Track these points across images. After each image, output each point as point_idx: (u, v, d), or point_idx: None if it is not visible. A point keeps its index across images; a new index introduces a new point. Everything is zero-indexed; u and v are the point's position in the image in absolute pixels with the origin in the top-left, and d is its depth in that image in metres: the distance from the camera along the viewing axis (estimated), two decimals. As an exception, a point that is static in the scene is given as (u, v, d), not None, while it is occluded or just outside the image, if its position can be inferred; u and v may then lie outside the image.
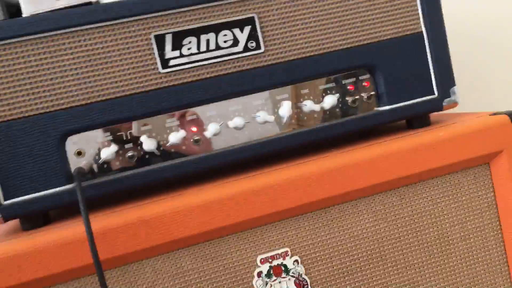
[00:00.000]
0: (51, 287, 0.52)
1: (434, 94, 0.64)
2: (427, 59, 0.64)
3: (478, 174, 0.62)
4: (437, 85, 0.64)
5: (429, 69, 0.64)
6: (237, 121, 0.60)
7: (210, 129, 0.59)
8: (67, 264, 0.51)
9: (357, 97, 0.64)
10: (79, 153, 0.56)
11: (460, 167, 0.61)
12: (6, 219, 0.54)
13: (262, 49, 0.60)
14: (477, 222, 0.62)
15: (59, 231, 0.52)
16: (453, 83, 0.65)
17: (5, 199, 0.53)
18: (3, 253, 0.50)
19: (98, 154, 0.57)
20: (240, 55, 0.59)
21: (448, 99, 0.65)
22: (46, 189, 0.55)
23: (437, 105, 0.64)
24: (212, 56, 0.59)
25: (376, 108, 0.64)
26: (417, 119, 0.66)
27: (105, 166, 0.57)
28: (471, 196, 0.62)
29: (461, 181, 0.62)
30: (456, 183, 0.61)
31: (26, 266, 0.50)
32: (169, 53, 0.58)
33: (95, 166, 0.57)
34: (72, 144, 0.56)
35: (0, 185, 0.53)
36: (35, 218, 0.56)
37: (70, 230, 0.52)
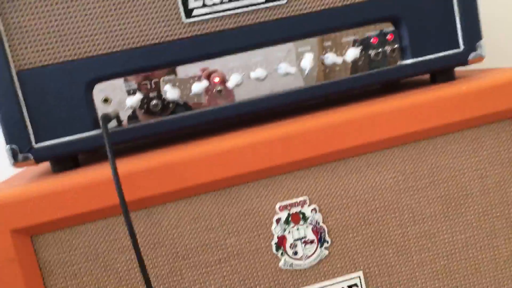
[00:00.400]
0: (80, 225, 0.55)
1: (459, 47, 0.63)
2: (453, 10, 0.62)
3: (501, 130, 0.61)
4: (463, 38, 0.63)
5: (455, 22, 0.63)
6: (259, 72, 0.61)
7: (232, 80, 0.60)
8: (95, 204, 0.53)
9: (380, 50, 0.63)
10: (105, 100, 0.58)
11: (482, 121, 0.61)
12: (37, 161, 0.57)
13: (285, 0, 0.60)
14: (497, 177, 0.62)
15: (87, 173, 0.54)
16: (479, 37, 0.64)
17: (36, 142, 0.56)
18: (36, 191, 0.53)
19: (124, 101, 0.59)
20: (263, 6, 0.59)
21: (474, 53, 0.64)
22: (75, 134, 0.57)
23: (462, 59, 0.64)
24: (235, 6, 0.59)
25: (399, 62, 0.64)
26: (441, 74, 0.65)
27: (130, 113, 0.59)
28: (492, 151, 0.62)
29: (482, 136, 0.61)
30: (477, 138, 0.61)
31: (57, 204, 0.53)
32: (192, 2, 0.58)
33: (121, 114, 0.59)
34: (99, 91, 0.58)
35: (32, 128, 0.56)
36: (64, 161, 0.59)
37: (98, 172, 0.54)
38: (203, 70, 0.60)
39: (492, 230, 0.63)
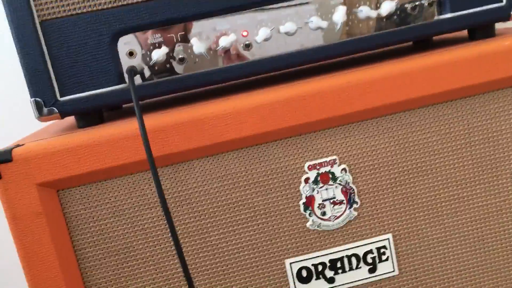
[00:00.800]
0: (106, 181, 0.54)
1: (501, 1, 0.60)
2: (498, -39, 0.59)
3: (543, 88, 0.58)
4: (506, -8, 0.60)
5: (499, -27, 0.59)
6: (288, 26, 0.58)
7: (261, 34, 0.58)
8: (121, 158, 0.52)
9: (417, 3, 0.60)
10: (130, 54, 0.56)
11: (524, 80, 0.58)
12: (62, 115, 0.55)
13: (318, -51, 0.57)
14: (536, 139, 0.59)
15: (113, 128, 0.53)
16: (524, -10, 0.60)
17: (61, 96, 0.55)
18: (62, 144, 0.52)
19: (149, 55, 0.57)
20: (294, -45, 0.56)
21: (517, 7, 0.60)
22: (100, 88, 0.55)
23: (503, 14, 0.60)
24: (266, -45, 0.56)
25: (437, 17, 0.61)
26: (481, 29, 0.62)
27: (156, 68, 0.57)
28: (533, 112, 0.59)
29: (523, 95, 0.58)
30: (517, 97, 0.58)
31: (83, 159, 0.52)
32: (221, -49, 0.55)
33: (146, 68, 0.57)
34: (124, 44, 0.56)
35: (56, 81, 0.55)
36: (90, 116, 0.58)
37: (124, 127, 0.53)
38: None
39: (527, 195, 0.60)
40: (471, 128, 0.58)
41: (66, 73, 0.55)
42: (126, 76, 0.56)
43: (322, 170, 0.57)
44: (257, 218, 0.57)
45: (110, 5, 0.55)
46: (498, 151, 0.59)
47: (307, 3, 0.58)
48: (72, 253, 0.55)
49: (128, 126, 0.53)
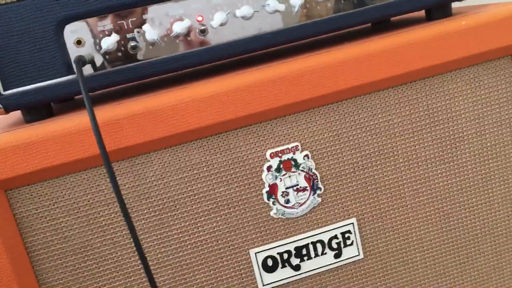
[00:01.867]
0: (58, 178, 0.51)
1: (458, -19, 0.60)
2: None
3: (500, 67, 0.59)
4: (461, -29, 0.59)
5: (454, -48, 0.59)
6: (245, 10, 0.56)
7: (217, 19, 0.56)
8: (74, 154, 0.50)
9: (374, -16, 0.59)
10: (78, 42, 0.53)
11: (481, 59, 0.58)
12: (7, 110, 0.52)
13: None
14: (494, 118, 0.60)
15: (63, 122, 0.50)
16: (479, -31, 0.60)
17: (5, 89, 0.51)
18: (7, 142, 0.48)
19: (99, 43, 0.54)
20: None
21: (473, -14, 0.60)
22: (47, 80, 0.52)
23: (460, -7, 0.60)
24: None
25: (394, -3, 0.60)
26: (438, 9, 0.62)
27: (107, 56, 0.54)
28: (490, 91, 0.59)
29: (480, 75, 0.59)
30: (475, 77, 0.59)
31: (31, 156, 0.49)
32: None
33: (96, 57, 0.54)
34: (71, 32, 0.53)
35: (-2, 74, 0.51)
36: (37, 109, 0.55)
37: (74, 121, 0.50)
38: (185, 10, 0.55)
39: (487, 173, 0.61)
40: (432, 109, 0.58)
41: (9, 65, 0.51)
42: (74, 66, 0.52)
43: (284, 157, 0.56)
44: (219, 209, 0.56)
45: (53, -9, 0.51)
46: (458, 131, 0.60)
47: (263, -15, 0.56)
48: (25, 255, 0.52)
49: (79, 120, 0.50)
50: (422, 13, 0.65)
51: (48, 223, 0.52)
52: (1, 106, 0.51)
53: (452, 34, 0.56)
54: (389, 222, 0.60)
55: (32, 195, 0.51)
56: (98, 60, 0.54)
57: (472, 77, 0.59)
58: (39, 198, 0.51)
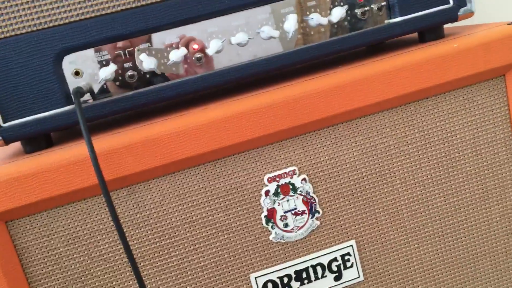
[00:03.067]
0: (58, 208, 0.52)
1: (448, 3, 0.60)
2: (443, -36, 0.59)
3: (493, 88, 0.59)
4: (452, -6, 0.60)
5: (444, -24, 0.60)
6: (240, 37, 0.57)
7: (212, 46, 0.57)
8: (72, 184, 0.50)
9: (367, 8, 0.60)
10: (77, 73, 0.54)
11: (474, 80, 0.58)
12: (7, 142, 0.53)
13: (265, -43, 0.56)
14: (489, 137, 0.60)
15: (62, 152, 0.51)
16: (469, -9, 0.61)
17: (4, 121, 0.52)
18: (7, 174, 0.49)
19: (97, 74, 0.55)
20: (241, -36, 0.55)
21: (464, 8, 0.61)
22: (46, 111, 0.53)
23: (451, 15, 0.61)
24: (212, -34, 0.55)
25: (387, 21, 0.61)
26: (430, 31, 0.63)
27: (105, 86, 0.55)
28: (484, 111, 0.60)
29: (474, 95, 0.59)
30: (469, 98, 0.59)
31: (31, 187, 0.49)
32: (165, -37, 0.54)
33: (94, 87, 0.55)
34: (69, 63, 0.54)
35: (-2, 107, 0.52)
36: (36, 140, 0.55)
37: (73, 151, 0.51)
38: (181, 37, 0.56)
39: (484, 192, 0.61)
40: (426, 130, 0.59)
41: (8, 97, 0.52)
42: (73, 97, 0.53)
43: (282, 181, 0.56)
44: (219, 234, 0.56)
45: (51, 24, 0.52)
46: (453, 151, 0.60)
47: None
48: (27, 286, 0.52)
49: (77, 150, 0.50)
50: (415, 34, 0.66)
51: (48, 253, 0.52)
52: (1, 138, 0.52)
53: (444, 56, 0.57)
54: (389, 243, 0.60)
55: (32, 226, 0.52)
56: (97, 89, 0.55)
57: (466, 97, 0.59)
58: (39, 229, 0.52)
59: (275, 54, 0.58)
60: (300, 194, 0.57)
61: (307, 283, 0.58)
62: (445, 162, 0.60)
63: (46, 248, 0.52)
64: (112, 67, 0.54)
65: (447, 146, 0.60)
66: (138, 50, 0.55)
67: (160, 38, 0.55)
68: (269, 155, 0.56)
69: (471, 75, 0.57)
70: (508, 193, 0.62)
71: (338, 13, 0.59)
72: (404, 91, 0.56)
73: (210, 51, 0.57)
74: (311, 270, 0.58)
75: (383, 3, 0.60)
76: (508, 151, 0.61)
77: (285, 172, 0.56)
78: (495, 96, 0.60)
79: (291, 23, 0.58)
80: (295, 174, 0.57)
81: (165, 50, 0.56)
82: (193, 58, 0.57)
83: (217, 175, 0.55)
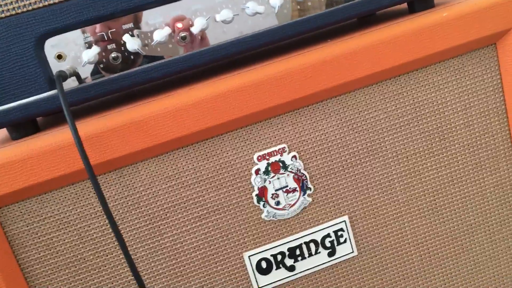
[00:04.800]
0: (47, 194, 0.52)
1: (438, -29, 0.59)
2: None
3: (484, 56, 0.58)
4: (441, -39, 0.59)
5: None
6: (224, 14, 0.56)
7: (197, 24, 0.56)
8: (59, 170, 0.50)
9: (354, -20, 0.58)
10: (59, 57, 0.53)
11: (465, 49, 0.57)
12: (-8, 129, 0.52)
13: None
14: (481, 107, 0.59)
15: (48, 138, 0.50)
16: (459, -42, 0.60)
17: (-12, 108, 0.52)
18: (-8, 162, 0.49)
19: (80, 57, 0.54)
20: None
21: (454, -24, 0.60)
22: (30, 96, 0.52)
23: (441, -16, 0.59)
24: None
25: (375, -8, 0.59)
26: (420, 1, 0.61)
27: (91, 69, 0.54)
28: (475, 80, 0.59)
29: (465, 65, 0.58)
30: (460, 68, 0.58)
31: (18, 174, 0.49)
32: None
33: (78, 70, 0.54)
34: (51, 47, 0.53)
35: (-19, 94, 0.51)
36: (22, 126, 0.55)
37: (59, 136, 0.50)
38: (171, 20, 0.55)
39: (477, 162, 0.61)
40: (418, 102, 0.58)
41: (-9, 84, 0.52)
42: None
43: (272, 159, 0.56)
44: (210, 215, 0.56)
45: (31, 7, 0.51)
46: (446, 123, 0.59)
47: (241, -12, 0.56)
48: (19, 272, 0.52)
49: (63, 135, 0.50)
50: (405, 5, 0.65)
51: (39, 238, 0.52)
52: (-14, 125, 0.52)
53: (434, 26, 0.56)
54: (382, 217, 0.60)
55: (21, 212, 0.51)
56: (82, 72, 0.54)
57: (457, 67, 0.58)
58: (29, 215, 0.52)
59: (261, 31, 0.57)
60: (291, 172, 0.57)
61: (301, 259, 0.58)
62: (437, 134, 0.59)
63: (37, 234, 0.52)
64: (95, 49, 0.53)
65: (439, 118, 0.59)
66: (122, 31, 0.54)
67: (144, 18, 0.54)
68: (258, 133, 0.55)
69: (461, 44, 0.56)
70: (501, 163, 0.61)
71: (324, -15, 0.57)
72: (393, 64, 0.55)
73: (194, 29, 0.55)
74: (304, 247, 0.58)
75: (370, -26, 0.59)
76: (501, 121, 0.60)
77: (275, 150, 0.56)
78: (486, 65, 0.59)
79: (276, -2, 0.56)
80: (285, 151, 0.56)
81: (150, 30, 0.55)
82: (178, 37, 0.56)
83: (206, 155, 0.54)
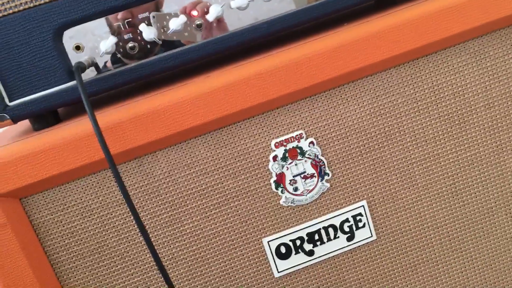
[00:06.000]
0: (70, 183, 0.53)
1: (457, -50, 0.58)
2: None
3: (505, 37, 0.57)
4: None
5: None
6: (239, 0, 0.56)
7: (212, 12, 0.55)
8: (81, 159, 0.51)
9: (370, -38, 0.58)
10: (77, 48, 0.54)
11: (485, 30, 0.56)
12: (14, 121, 0.53)
13: None
14: (502, 89, 0.58)
15: (69, 128, 0.51)
16: None
17: (10, 100, 0.53)
18: (18, 152, 0.50)
19: (98, 47, 0.54)
20: None
21: (473, -45, 0.58)
22: (50, 87, 0.53)
23: (460, -37, 0.58)
24: None
25: (392, -27, 0.58)
26: (438, -18, 0.60)
27: (108, 59, 0.55)
28: (496, 62, 0.58)
29: (485, 46, 0.57)
30: (480, 49, 0.57)
31: (42, 164, 0.50)
32: None
33: (97, 61, 0.55)
34: (69, 38, 0.54)
35: (2, 86, 0.52)
36: (44, 117, 0.56)
37: (80, 126, 0.51)
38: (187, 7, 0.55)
39: (498, 145, 0.60)
40: (436, 85, 0.57)
41: (12, 76, 0.52)
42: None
43: (289, 146, 0.56)
44: (229, 201, 0.56)
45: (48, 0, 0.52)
46: (465, 106, 0.58)
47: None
48: (45, 259, 0.54)
49: (83, 126, 0.51)
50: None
51: (64, 226, 0.54)
52: (8, 117, 0.53)
53: (453, 7, 0.54)
54: (401, 202, 0.60)
55: (46, 202, 0.53)
56: (101, 62, 0.55)
57: (477, 49, 0.57)
58: (53, 204, 0.53)
59: (276, 16, 0.57)
60: (309, 158, 0.57)
61: (320, 244, 0.59)
62: (457, 118, 0.59)
63: (61, 222, 0.53)
64: (112, 40, 0.54)
65: (458, 101, 0.58)
66: (138, 20, 0.54)
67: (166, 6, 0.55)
68: (275, 120, 0.55)
69: (481, 25, 0.55)
70: (523, 146, 0.60)
71: (340, -32, 0.57)
72: (411, 47, 0.55)
73: (210, 16, 0.55)
74: (323, 231, 0.59)
75: (387, -45, 0.58)
76: (522, 103, 0.59)
77: (292, 136, 0.56)
78: (507, 45, 0.57)
79: (291, -18, 0.56)
80: (302, 137, 0.56)
81: (165, 19, 0.55)
82: (193, 25, 0.56)
83: (224, 143, 0.55)
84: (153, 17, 0.54)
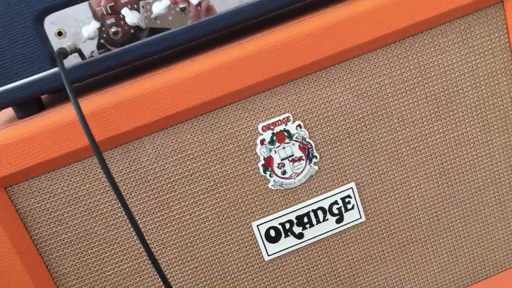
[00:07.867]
0: (55, 171, 0.52)
1: None
2: None
3: (491, 16, 0.57)
4: None
5: None
6: (224, -17, 0.55)
7: (196, -6, 0.55)
8: (66, 147, 0.50)
9: None
10: (59, 34, 0.53)
11: (471, 9, 0.56)
12: (-3, 109, 0.53)
13: None
14: (488, 68, 0.58)
15: (53, 116, 0.51)
16: None
17: (-8, 89, 0.52)
18: (1, 140, 0.49)
19: (81, 33, 0.53)
20: None
21: None
22: (32, 74, 0.52)
23: None
24: None
25: (377, -47, 0.58)
26: (424, -39, 0.59)
27: (93, 44, 0.54)
28: (482, 41, 0.57)
29: (471, 25, 0.57)
30: (466, 28, 0.57)
31: (25, 152, 0.50)
32: None
33: (79, 47, 0.54)
34: (51, 24, 0.53)
35: (-16, 74, 0.51)
36: (27, 105, 0.55)
37: (63, 114, 0.50)
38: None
39: (485, 124, 0.60)
40: (423, 65, 0.57)
41: (-7, 64, 0.52)
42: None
43: (277, 129, 0.56)
44: (217, 186, 0.56)
45: (27, -16, 0.51)
46: (452, 86, 0.58)
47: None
48: (33, 247, 0.53)
49: (68, 113, 0.50)
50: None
51: (51, 214, 0.53)
52: (-9, 105, 0.52)
53: (438, -14, 0.54)
54: (389, 183, 0.60)
55: (32, 190, 0.52)
56: (84, 48, 0.54)
57: (463, 28, 0.57)
58: (39, 192, 0.53)
59: (261, -2, 0.56)
60: (296, 141, 0.57)
61: (309, 227, 0.59)
62: (444, 97, 0.59)
63: (48, 210, 0.53)
64: (94, 25, 0.53)
65: (445, 80, 0.58)
66: (121, 4, 0.53)
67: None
68: (262, 103, 0.55)
69: (467, 4, 0.55)
70: (510, 124, 0.60)
71: None
72: (398, 27, 0.54)
73: (194, 0, 0.55)
74: (312, 214, 0.59)
75: None
76: (509, 81, 0.59)
77: (279, 120, 0.56)
78: (493, 24, 0.57)
79: (275, -37, 0.55)
80: (289, 121, 0.56)
81: (149, 3, 0.54)
82: (177, 9, 0.55)
83: (210, 127, 0.55)
84: (142, 6, 0.54)
